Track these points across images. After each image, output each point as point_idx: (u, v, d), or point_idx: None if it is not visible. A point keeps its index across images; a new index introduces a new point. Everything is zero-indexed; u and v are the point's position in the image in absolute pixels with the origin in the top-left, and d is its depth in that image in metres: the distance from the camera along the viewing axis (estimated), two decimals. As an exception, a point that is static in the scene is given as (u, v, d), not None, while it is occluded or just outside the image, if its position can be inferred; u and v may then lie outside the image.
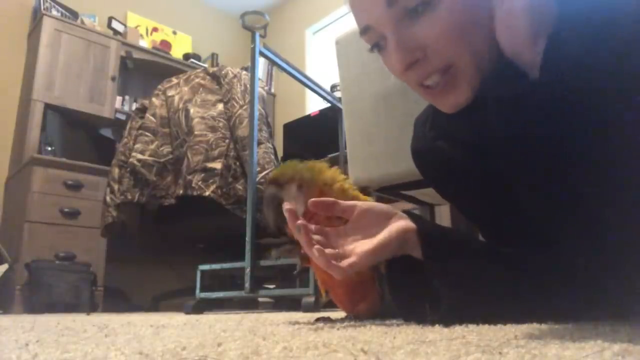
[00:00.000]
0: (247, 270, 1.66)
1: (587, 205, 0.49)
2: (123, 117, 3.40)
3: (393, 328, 0.56)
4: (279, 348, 0.39)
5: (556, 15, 0.48)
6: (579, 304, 0.52)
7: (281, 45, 3.90)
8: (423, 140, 0.71)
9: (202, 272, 1.89)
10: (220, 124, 2.22)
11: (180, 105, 2.32)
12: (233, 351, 0.38)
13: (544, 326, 0.49)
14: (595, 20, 0.46)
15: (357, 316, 0.84)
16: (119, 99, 3.55)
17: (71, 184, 2.90)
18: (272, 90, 4.41)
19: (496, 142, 0.57)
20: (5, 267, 2.63)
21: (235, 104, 2.25)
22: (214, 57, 4.29)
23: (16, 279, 2.61)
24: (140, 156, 2.26)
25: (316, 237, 0.54)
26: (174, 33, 4.21)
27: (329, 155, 2.72)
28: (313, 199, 0.56)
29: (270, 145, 2.30)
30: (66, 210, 2.84)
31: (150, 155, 2.27)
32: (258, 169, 1.96)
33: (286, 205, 0.55)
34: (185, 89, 2.37)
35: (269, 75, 4.40)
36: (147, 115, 2.38)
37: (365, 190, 0.88)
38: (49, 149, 3.02)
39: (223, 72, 2.36)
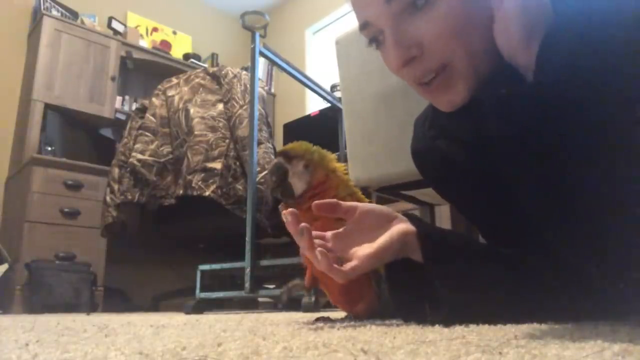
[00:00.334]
0: (247, 270, 1.66)
1: (585, 206, 0.49)
2: (123, 117, 3.40)
3: (393, 328, 0.56)
4: (279, 348, 0.39)
5: (552, 16, 0.48)
6: (579, 304, 0.52)
7: (281, 45, 3.90)
8: (423, 140, 0.71)
9: (202, 272, 1.89)
10: (220, 124, 2.22)
11: (180, 105, 2.32)
12: (233, 351, 0.38)
13: (544, 326, 0.49)
14: (591, 21, 0.46)
15: (356, 316, 0.84)
16: (119, 99, 3.55)
17: (71, 184, 2.90)
18: (272, 90, 4.42)
19: (494, 142, 0.58)
20: (5, 267, 2.63)
21: (235, 104, 2.25)
22: (214, 57, 4.29)
23: (16, 279, 2.61)
24: (140, 156, 2.26)
25: (317, 241, 0.54)
26: (174, 33, 4.21)
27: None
28: (316, 202, 0.56)
29: (270, 145, 2.30)
30: (66, 210, 2.84)
31: (150, 155, 2.27)
32: (258, 169, 1.96)
33: (286, 211, 0.55)
34: (185, 89, 2.37)
35: (269, 75, 4.40)
36: (147, 115, 2.38)
37: (365, 192, 0.90)
38: (49, 149, 3.02)
39: (223, 72, 2.36)
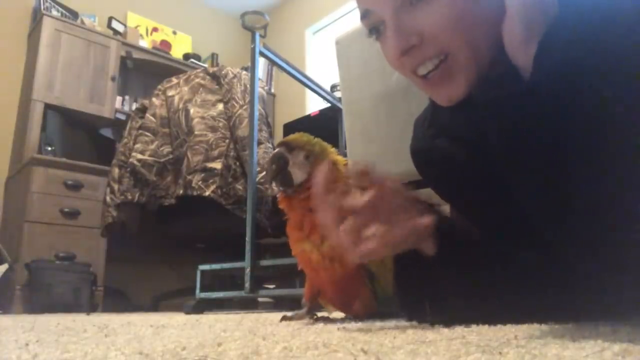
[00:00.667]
0: (247, 270, 1.66)
1: (584, 205, 0.49)
2: (123, 117, 3.41)
3: (393, 328, 0.56)
4: (279, 348, 0.39)
5: (554, 15, 0.48)
6: (578, 303, 0.52)
7: (281, 45, 3.90)
8: (422, 139, 0.71)
9: (202, 272, 1.89)
10: (220, 124, 2.22)
11: (180, 105, 2.32)
12: (233, 351, 0.38)
13: (544, 326, 0.49)
14: (592, 21, 0.45)
15: (356, 316, 0.84)
16: (119, 99, 3.55)
17: (71, 184, 2.90)
18: (272, 90, 4.41)
19: (492, 141, 0.57)
20: (5, 267, 2.63)
21: (235, 104, 2.25)
22: (214, 57, 4.29)
23: (16, 279, 2.61)
24: (140, 156, 2.26)
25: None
26: (174, 33, 4.21)
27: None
28: (352, 168, 0.54)
29: (270, 145, 2.30)
30: (66, 210, 2.84)
31: (150, 155, 2.27)
32: (258, 169, 1.96)
33: (320, 172, 0.53)
34: (185, 89, 2.37)
35: (269, 75, 4.40)
36: (147, 115, 2.38)
37: None
38: (49, 149, 3.02)
39: (223, 72, 2.36)
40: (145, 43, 3.92)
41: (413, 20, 0.53)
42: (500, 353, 0.32)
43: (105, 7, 3.81)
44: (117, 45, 3.51)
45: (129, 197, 2.23)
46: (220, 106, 2.28)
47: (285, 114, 4.09)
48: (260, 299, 2.61)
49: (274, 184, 0.85)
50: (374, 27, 0.58)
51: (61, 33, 3.22)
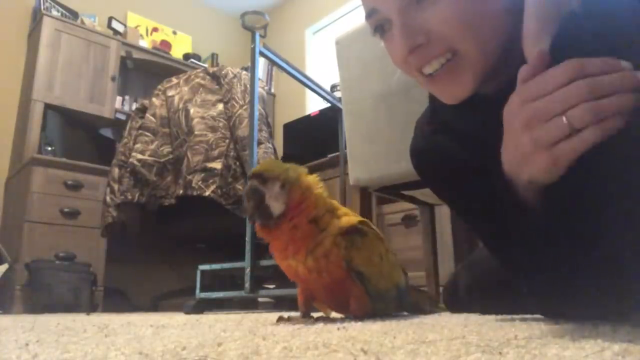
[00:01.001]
0: (247, 270, 1.66)
1: (592, 207, 0.48)
2: (123, 117, 3.41)
3: (393, 328, 0.56)
4: (279, 348, 0.39)
5: (571, 8, 0.46)
6: (580, 304, 0.52)
7: (281, 45, 3.90)
8: (422, 139, 0.71)
9: (202, 272, 1.89)
10: (220, 124, 2.22)
11: (180, 105, 2.32)
12: (233, 351, 0.38)
13: (544, 326, 0.49)
14: (612, 16, 0.43)
15: (355, 316, 0.84)
16: (119, 99, 3.55)
17: (71, 184, 2.90)
18: (272, 90, 4.42)
19: (495, 140, 0.56)
20: (5, 267, 2.63)
21: (235, 104, 2.26)
22: (214, 57, 4.29)
23: (16, 279, 2.61)
24: (140, 156, 2.26)
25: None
26: (174, 33, 4.21)
27: (329, 155, 2.72)
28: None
29: (270, 145, 2.30)
30: (66, 210, 2.84)
31: (150, 155, 2.27)
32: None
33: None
34: (185, 89, 2.37)
35: (269, 75, 4.40)
36: (147, 115, 2.38)
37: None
38: (49, 149, 3.02)
39: (223, 72, 2.36)
40: (145, 43, 3.92)
41: (420, 19, 0.53)
42: (500, 353, 0.32)
43: (105, 7, 3.82)
44: (117, 45, 3.51)
45: (129, 197, 2.23)
46: (220, 106, 2.28)
47: (285, 114, 4.09)
48: (260, 299, 2.61)
49: (254, 220, 0.83)
50: (379, 25, 0.57)
51: (61, 33, 3.23)
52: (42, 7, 3.30)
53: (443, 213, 2.05)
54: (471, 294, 0.92)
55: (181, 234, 2.65)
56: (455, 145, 0.63)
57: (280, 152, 3.08)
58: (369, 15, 0.58)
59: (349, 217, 0.85)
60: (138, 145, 2.29)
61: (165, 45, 4.09)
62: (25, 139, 2.98)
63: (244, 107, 2.22)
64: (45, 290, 2.56)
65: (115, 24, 3.75)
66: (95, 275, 2.82)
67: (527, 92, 0.41)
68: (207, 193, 2.05)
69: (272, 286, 2.23)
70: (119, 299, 3.05)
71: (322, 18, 4.17)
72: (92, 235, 2.84)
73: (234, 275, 2.22)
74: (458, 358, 0.31)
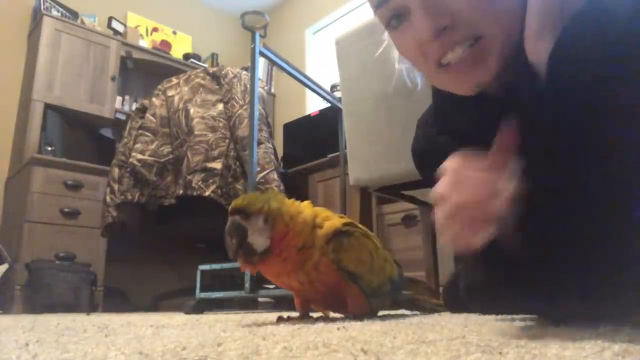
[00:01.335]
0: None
1: (597, 210, 0.48)
2: (123, 117, 3.41)
3: (393, 328, 0.56)
4: (279, 348, 0.39)
5: (577, 8, 0.44)
6: (583, 305, 0.52)
7: (281, 45, 3.90)
8: (424, 139, 0.71)
9: (202, 272, 1.89)
10: (220, 124, 2.22)
11: (180, 105, 2.32)
12: (233, 351, 0.38)
13: (544, 326, 0.49)
14: (619, 17, 0.42)
15: (354, 315, 0.85)
16: (119, 99, 3.55)
17: (71, 184, 2.90)
18: (272, 90, 4.42)
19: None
20: (5, 267, 2.63)
21: (235, 104, 2.26)
22: (214, 57, 4.29)
23: (16, 279, 2.61)
24: (140, 156, 2.26)
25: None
26: (174, 33, 4.21)
27: (329, 155, 2.72)
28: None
29: (270, 145, 2.30)
30: (66, 210, 2.84)
31: (150, 155, 2.27)
32: (258, 169, 1.96)
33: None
34: (185, 89, 2.37)
35: (269, 75, 4.40)
36: (147, 115, 2.38)
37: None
38: (49, 149, 3.02)
39: (223, 72, 2.36)
40: (145, 43, 3.92)
41: (443, 1, 0.50)
42: (500, 353, 0.32)
43: (105, 7, 3.82)
44: (117, 45, 3.51)
45: (129, 197, 2.23)
46: (220, 106, 2.28)
47: (285, 114, 4.09)
48: (260, 299, 2.61)
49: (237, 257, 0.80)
50: (395, 15, 0.53)
51: (61, 33, 3.22)
52: (42, 7, 3.30)
53: (443, 213, 2.05)
54: (471, 294, 0.92)
55: (181, 234, 2.65)
56: (460, 146, 0.62)
57: (280, 152, 3.08)
58: (381, 4, 0.54)
59: (332, 221, 0.84)
60: (138, 145, 2.29)
61: (165, 45, 4.09)
62: (25, 139, 2.98)
63: (244, 107, 2.22)
64: (45, 290, 2.56)
65: (115, 24, 3.75)
66: (95, 275, 2.82)
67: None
68: (207, 193, 2.05)
69: (272, 286, 2.23)
70: (119, 299, 3.05)
71: (322, 18, 4.17)
72: (92, 235, 2.84)
73: (234, 275, 2.22)
74: (458, 358, 0.31)
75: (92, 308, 2.70)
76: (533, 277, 0.54)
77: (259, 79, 2.28)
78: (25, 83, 3.26)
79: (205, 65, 4.02)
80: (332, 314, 0.91)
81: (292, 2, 4.49)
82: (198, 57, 4.15)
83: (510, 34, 0.49)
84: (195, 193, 2.06)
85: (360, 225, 0.90)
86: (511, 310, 0.80)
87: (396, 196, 1.68)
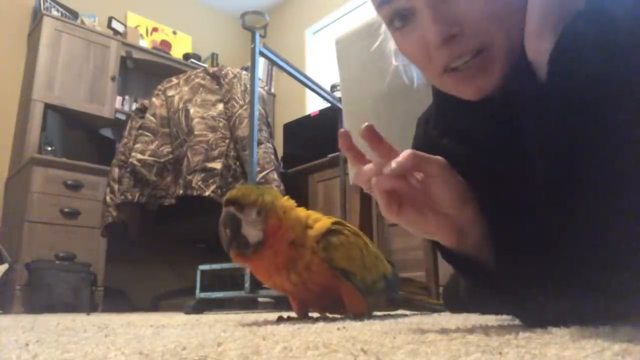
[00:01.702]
0: (247, 270, 1.66)
1: (600, 211, 0.48)
2: (123, 117, 3.41)
3: (393, 328, 0.56)
4: (279, 348, 0.39)
5: (578, 7, 0.43)
6: (586, 306, 0.52)
7: (281, 45, 3.90)
8: (425, 139, 0.70)
9: (202, 272, 1.89)
10: (220, 124, 2.22)
11: (180, 105, 2.32)
12: (233, 351, 0.38)
13: (544, 326, 0.49)
14: (622, 17, 0.41)
15: (355, 315, 0.85)
16: (119, 99, 3.56)
17: (71, 184, 2.90)
18: (272, 90, 4.42)
19: (502, 141, 0.55)
20: (5, 267, 2.63)
21: (235, 104, 2.26)
22: (214, 57, 4.29)
23: (16, 279, 2.61)
24: (140, 156, 2.26)
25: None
26: (174, 33, 4.21)
27: (329, 155, 2.72)
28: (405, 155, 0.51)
29: (270, 145, 2.30)
30: (66, 210, 2.84)
31: (150, 155, 2.27)
32: (258, 169, 1.96)
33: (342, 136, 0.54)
34: (185, 89, 2.37)
35: (269, 75, 4.41)
36: (147, 115, 2.38)
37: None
38: (49, 149, 3.02)
39: (223, 72, 2.36)
40: (145, 43, 3.92)
41: (452, 8, 0.49)
42: (500, 353, 0.32)
43: (105, 7, 3.82)
44: (117, 45, 3.51)
45: (129, 197, 2.23)
46: (220, 106, 2.28)
47: (285, 114, 4.09)
48: (260, 299, 2.61)
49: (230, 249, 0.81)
50: (399, 15, 0.53)
51: (61, 33, 3.23)
52: (42, 7, 3.30)
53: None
54: (471, 294, 0.91)
55: (181, 234, 2.65)
56: (461, 147, 0.62)
57: (280, 152, 3.08)
58: (385, 2, 0.53)
59: (322, 221, 0.85)
60: (138, 145, 2.29)
61: (165, 45, 4.09)
62: (25, 139, 2.98)
63: (244, 107, 2.22)
64: (45, 290, 2.56)
65: (115, 24, 3.75)
66: (95, 275, 2.83)
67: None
68: (207, 193, 2.05)
69: (272, 286, 2.23)
70: (119, 299, 3.05)
71: (322, 18, 4.18)
72: (92, 235, 2.84)
73: (234, 275, 2.22)
74: (458, 358, 0.31)
75: (92, 308, 2.70)
76: (532, 279, 0.54)
77: (259, 79, 2.29)
78: (25, 83, 3.26)
79: (205, 65, 4.02)
80: (330, 315, 0.91)
81: (292, 2, 4.49)
82: (198, 57, 4.16)
83: (516, 39, 0.49)
84: (195, 193, 2.06)
85: (350, 224, 0.91)
86: (510, 312, 0.79)
87: (396, 196, 1.68)
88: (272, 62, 2.06)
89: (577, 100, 0.44)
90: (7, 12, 3.37)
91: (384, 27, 0.60)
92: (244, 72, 2.41)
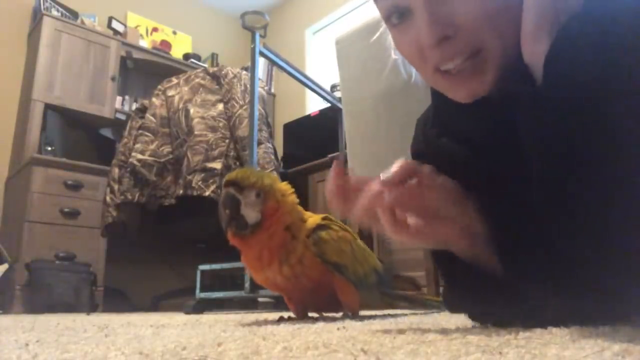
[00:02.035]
0: (247, 271, 1.66)
1: (596, 211, 0.48)
2: (123, 117, 3.41)
3: (393, 328, 0.56)
4: (279, 348, 0.39)
5: (575, 9, 0.43)
6: (586, 306, 0.52)
7: (281, 45, 3.90)
8: (424, 139, 0.70)
9: (202, 272, 1.89)
10: (220, 124, 2.22)
11: (180, 105, 2.32)
12: (233, 351, 0.38)
13: (544, 326, 0.49)
14: (620, 19, 0.41)
15: (352, 312, 0.85)
16: (119, 99, 3.55)
17: (71, 184, 2.90)
18: (272, 90, 4.42)
19: (500, 142, 0.55)
20: (5, 267, 2.63)
21: (235, 104, 2.26)
22: (214, 57, 4.29)
23: (16, 279, 2.61)
24: (140, 156, 2.26)
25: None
26: (174, 33, 4.21)
27: (329, 155, 2.72)
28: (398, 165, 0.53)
29: (270, 145, 2.30)
30: (66, 210, 2.84)
31: (150, 155, 2.27)
32: (258, 168, 1.96)
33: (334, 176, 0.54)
34: (185, 89, 2.37)
35: (269, 75, 4.41)
36: (147, 115, 2.38)
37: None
38: (49, 149, 3.02)
39: (223, 72, 2.36)
40: (145, 43, 3.92)
41: (447, 9, 0.49)
42: (500, 353, 0.32)
43: (105, 7, 3.82)
44: (117, 45, 3.51)
45: (129, 197, 2.23)
46: (220, 106, 2.28)
47: (285, 114, 4.09)
48: (260, 299, 2.61)
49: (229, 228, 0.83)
50: (395, 12, 0.53)
51: (61, 33, 3.23)
52: (42, 7, 3.30)
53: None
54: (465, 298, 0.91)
55: (181, 234, 2.65)
56: (460, 147, 0.62)
57: (280, 152, 3.08)
58: None
59: (313, 218, 0.88)
60: (138, 145, 2.29)
61: (165, 45, 4.09)
62: (25, 139, 2.98)
63: (244, 107, 2.22)
64: (45, 290, 2.56)
65: (115, 24, 3.75)
66: (95, 275, 2.82)
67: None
68: (207, 193, 2.05)
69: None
70: (119, 299, 3.05)
71: (322, 18, 4.17)
72: (92, 235, 2.84)
73: (234, 275, 2.22)
74: (458, 358, 0.31)
75: (92, 308, 2.70)
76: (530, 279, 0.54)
77: (259, 79, 2.29)
78: (25, 83, 3.26)
79: (205, 65, 4.02)
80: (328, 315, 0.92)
81: (292, 2, 4.49)
82: (198, 57, 4.16)
83: (509, 42, 0.49)
84: (195, 193, 2.06)
85: (338, 220, 0.92)
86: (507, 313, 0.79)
87: (396, 196, 1.68)
88: (272, 62, 2.06)
89: (573, 102, 0.44)
90: (7, 12, 3.37)
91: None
92: (244, 72, 2.41)
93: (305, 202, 2.68)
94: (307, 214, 0.88)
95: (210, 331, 0.64)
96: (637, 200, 0.45)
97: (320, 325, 0.70)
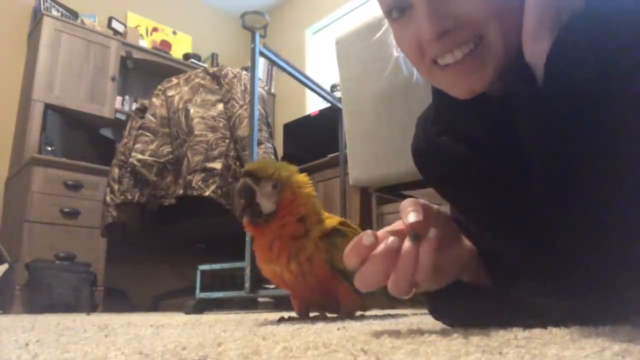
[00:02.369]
0: (247, 270, 1.66)
1: (598, 209, 0.48)
2: (123, 117, 3.41)
3: (393, 328, 0.56)
4: (279, 348, 0.39)
5: (577, 8, 0.43)
6: (586, 305, 0.52)
7: (281, 45, 3.90)
8: (424, 138, 0.70)
9: (202, 272, 1.89)
10: (220, 124, 2.22)
11: (180, 105, 2.32)
12: (233, 351, 0.38)
13: (544, 326, 0.49)
14: (622, 18, 0.41)
15: (349, 312, 0.85)
16: (119, 99, 3.56)
17: (71, 184, 2.90)
18: (272, 90, 4.42)
19: (500, 140, 0.55)
20: (5, 267, 2.63)
21: (235, 104, 2.26)
22: (214, 57, 4.29)
23: (16, 279, 2.61)
24: (140, 156, 2.26)
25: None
26: (174, 33, 4.21)
27: (329, 155, 2.72)
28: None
29: (270, 145, 2.30)
30: (66, 210, 2.84)
31: (150, 155, 2.27)
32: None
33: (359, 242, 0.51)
34: (185, 89, 2.37)
35: (269, 75, 4.40)
36: (147, 115, 2.38)
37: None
38: (49, 149, 3.02)
39: (223, 72, 2.36)
40: (145, 43, 3.92)
41: (448, 3, 0.50)
42: (500, 353, 0.32)
43: (105, 7, 3.82)
44: (117, 45, 3.51)
45: (129, 197, 2.23)
46: (220, 106, 2.28)
47: (285, 114, 4.09)
48: (260, 299, 2.61)
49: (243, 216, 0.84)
50: (397, 7, 0.53)
51: (61, 33, 3.23)
52: (42, 7, 3.30)
53: (443, 213, 2.05)
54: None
55: (181, 234, 2.65)
56: (460, 146, 0.62)
57: (280, 152, 3.08)
58: None
59: (331, 219, 0.88)
60: (138, 145, 2.29)
61: (165, 45, 4.09)
62: (25, 139, 2.98)
63: (244, 107, 2.22)
64: (45, 290, 2.56)
65: (115, 24, 3.75)
66: (95, 275, 2.82)
67: None
68: (207, 193, 2.05)
69: (272, 286, 2.23)
70: (119, 299, 3.05)
71: (322, 18, 4.17)
72: (92, 235, 2.84)
73: (234, 275, 2.22)
74: (458, 358, 0.31)
75: (92, 308, 2.70)
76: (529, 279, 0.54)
77: (259, 79, 2.28)
78: (25, 83, 3.26)
79: (205, 65, 4.02)
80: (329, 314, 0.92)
81: (292, 2, 4.49)
82: (198, 57, 4.16)
83: (510, 38, 0.49)
84: (195, 193, 2.06)
85: (355, 226, 0.92)
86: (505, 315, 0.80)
87: (396, 196, 1.68)
88: (272, 62, 2.06)
89: (574, 102, 0.44)
90: (7, 12, 3.37)
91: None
92: (244, 72, 2.41)
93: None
94: (326, 214, 0.89)
95: (210, 331, 0.64)
96: (637, 200, 0.45)
97: (320, 325, 0.70)
